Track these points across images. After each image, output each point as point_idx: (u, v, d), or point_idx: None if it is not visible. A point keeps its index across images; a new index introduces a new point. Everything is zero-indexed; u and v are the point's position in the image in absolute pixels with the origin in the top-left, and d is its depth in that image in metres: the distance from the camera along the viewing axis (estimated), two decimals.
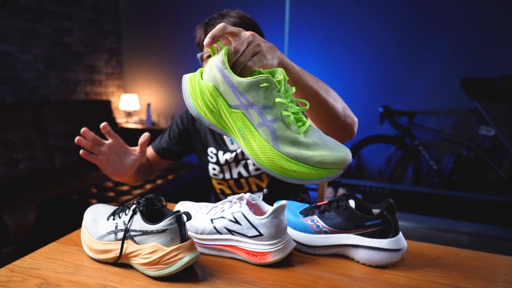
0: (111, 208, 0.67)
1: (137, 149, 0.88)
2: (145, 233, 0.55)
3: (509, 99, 1.97)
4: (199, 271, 0.58)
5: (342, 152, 0.47)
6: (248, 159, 0.99)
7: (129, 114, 3.84)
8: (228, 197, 0.67)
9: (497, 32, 2.78)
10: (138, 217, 0.57)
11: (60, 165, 2.65)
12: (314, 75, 0.67)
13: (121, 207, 0.62)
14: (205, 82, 0.49)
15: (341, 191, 2.83)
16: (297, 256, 0.64)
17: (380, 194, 2.70)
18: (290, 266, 0.61)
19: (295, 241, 0.65)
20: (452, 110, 3.00)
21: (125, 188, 2.24)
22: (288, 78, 0.52)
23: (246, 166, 1.00)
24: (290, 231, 0.67)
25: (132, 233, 0.57)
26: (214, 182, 1.08)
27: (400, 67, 3.08)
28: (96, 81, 3.52)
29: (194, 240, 0.65)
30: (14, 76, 2.69)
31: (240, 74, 0.51)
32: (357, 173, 3.38)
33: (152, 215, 0.59)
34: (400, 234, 0.62)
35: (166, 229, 0.54)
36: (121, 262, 0.59)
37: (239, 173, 1.02)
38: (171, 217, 0.54)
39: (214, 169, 1.05)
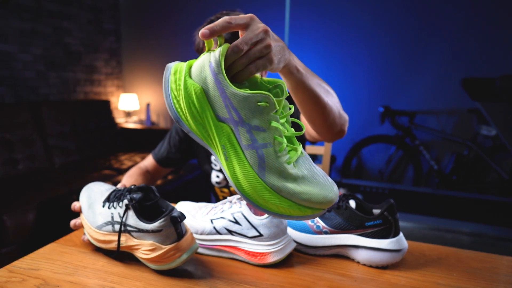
0: (105, 190, 0.66)
1: None
2: (140, 230, 0.55)
3: (510, 99, 1.96)
4: (198, 272, 0.58)
5: (330, 192, 0.42)
6: None
7: (128, 114, 3.84)
8: (228, 198, 0.66)
9: (497, 31, 2.78)
10: (132, 213, 0.56)
11: (60, 165, 2.64)
12: None
13: (115, 193, 0.61)
14: (193, 82, 0.42)
15: (341, 191, 2.82)
16: (297, 257, 0.64)
17: (381, 194, 2.69)
18: (290, 266, 0.60)
19: (295, 241, 0.65)
20: (452, 110, 3.00)
21: None
22: (288, 95, 0.47)
23: None
24: (290, 231, 0.66)
25: (128, 228, 0.57)
26: (217, 190, 1.07)
27: (400, 67, 3.07)
28: (95, 81, 3.51)
29: None
30: (14, 76, 2.68)
31: (235, 76, 0.44)
32: (357, 173, 3.37)
33: (146, 208, 0.59)
34: (401, 234, 0.62)
35: (161, 230, 0.54)
36: (122, 256, 0.59)
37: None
38: (164, 218, 0.54)
39: (217, 176, 1.03)
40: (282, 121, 0.43)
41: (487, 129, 2.72)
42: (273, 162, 0.42)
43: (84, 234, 0.65)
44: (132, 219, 0.56)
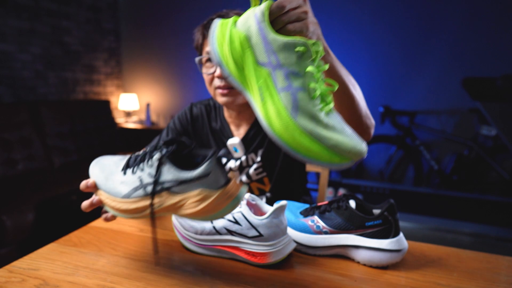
0: (119, 159, 0.58)
1: None
2: (183, 182, 0.48)
3: (511, 99, 1.96)
4: (198, 272, 0.58)
5: (359, 144, 0.44)
6: (251, 165, 0.98)
7: (128, 114, 3.84)
8: None
9: (498, 31, 2.78)
10: (168, 166, 0.49)
11: (59, 165, 2.64)
12: None
13: (134, 157, 0.54)
14: (238, 31, 0.47)
15: (341, 191, 2.83)
16: (297, 257, 0.64)
17: (381, 195, 2.70)
18: (290, 267, 0.60)
19: (295, 241, 0.65)
20: (453, 110, 3.00)
21: None
22: (324, 54, 0.49)
23: (247, 173, 0.99)
24: (290, 231, 0.66)
25: (166, 185, 0.49)
26: None
27: (400, 67, 3.07)
28: (95, 80, 3.51)
29: (193, 240, 0.64)
30: (12, 76, 2.68)
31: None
32: (357, 173, 3.37)
33: (180, 159, 0.52)
34: (401, 234, 0.62)
35: (209, 173, 0.47)
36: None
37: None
38: (210, 160, 0.48)
39: None
40: (317, 76, 0.46)
41: (488, 129, 2.72)
42: (306, 106, 0.44)
43: (105, 212, 0.59)
44: (169, 174, 0.49)
